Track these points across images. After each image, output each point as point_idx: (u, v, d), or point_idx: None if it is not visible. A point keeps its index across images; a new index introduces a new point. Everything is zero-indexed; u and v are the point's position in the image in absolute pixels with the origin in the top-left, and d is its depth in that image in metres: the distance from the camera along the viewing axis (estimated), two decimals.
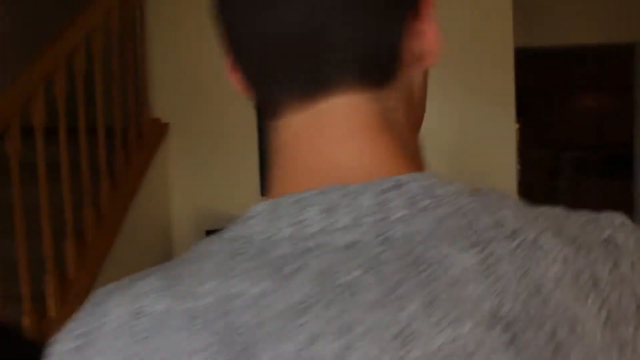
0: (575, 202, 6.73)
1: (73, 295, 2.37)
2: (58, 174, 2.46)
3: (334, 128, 0.42)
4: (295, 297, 0.35)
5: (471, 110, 3.38)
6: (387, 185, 0.39)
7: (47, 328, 2.24)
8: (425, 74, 0.48)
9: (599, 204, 4.53)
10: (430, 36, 0.45)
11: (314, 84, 0.41)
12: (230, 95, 2.78)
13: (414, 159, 0.44)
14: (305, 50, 0.41)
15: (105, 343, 0.37)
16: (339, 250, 0.37)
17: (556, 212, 0.41)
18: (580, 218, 0.41)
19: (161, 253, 3.26)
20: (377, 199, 0.38)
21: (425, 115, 0.50)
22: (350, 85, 0.42)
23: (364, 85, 0.42)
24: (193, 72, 3.38)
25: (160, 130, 3.35)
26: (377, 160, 0.41)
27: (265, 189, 0.51)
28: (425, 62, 0.45)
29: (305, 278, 0.36)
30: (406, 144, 0.44)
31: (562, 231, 0.39)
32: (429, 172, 0.41)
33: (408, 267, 0.36)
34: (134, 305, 0.37)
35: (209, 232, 2.31)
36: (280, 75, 0.42)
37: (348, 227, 0.38)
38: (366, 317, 0.34)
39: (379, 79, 0.42)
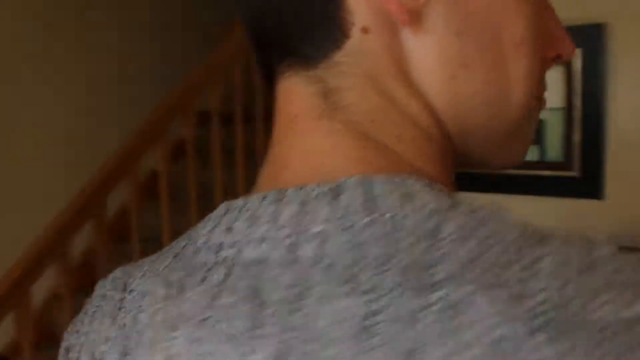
0: None
1: None
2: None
3: (279, 116, 0.38)
4: (181, 309, 0.33)
5: None
6: (318, 192, 0.33)
7: None
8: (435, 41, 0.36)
9: None
10: None
11: (262, 65, 0.39)
12: None
13: (379, 151, 0.35)
14: (254, 22, 0.38)
15: None
16: (244, 266, 0.33)
17: (573, 255, 0.29)
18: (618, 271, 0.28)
19: None
20: (301, 207, 0.33)
21: None
22: (287, 63, 0.37)
23: (295, 64, 0.37)
24: None
25: None
26: (315, 157, 0.35)
27: None
28: (396, 26, 0.35)
29: (197, 293, 0.34)
30: (367, 132, 0.35)
31: (525, 292, 0.27)
32: (394, 173, 0.33)
33: (287, 302, 0.30)
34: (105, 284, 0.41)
35: None
36: (252, 44, 0.40)
37: (261, 239, 0.33)
38: (217, 349, 0.31)
39: (305, 55, 0.36)
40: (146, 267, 0.39)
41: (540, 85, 0.39)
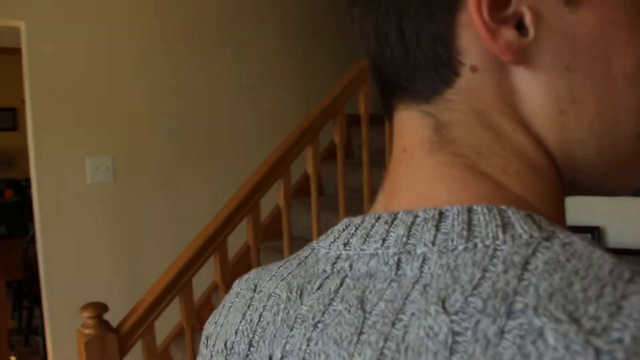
0: None
1: None
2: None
3: (395, 145, 0.42)
4: (299, 311, 0.38)
5: None
6: (424, 217, 0.36)
7: None
8: (534, 78, 0.37)
9: None
10: (478, 29, 0.36)
11: (383, 99, 0.43)
12: None
13: (483, 182, 0.37)
14: (370, 64, 0.42)
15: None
16: (355, 279, 0.37)
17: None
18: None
19: None
20: (408, 230, 0.36)
21: None
22: (401, 99, 0.40)
23: (408, 100, 0.40)
24: None
25: None
26: (424, 186, 0.38)
27: None
28: (505, 64, 0.37)
29: (314, 298, 0.38)
30: (473, 164, 0.37)
31: (597, 329, 0.27)
32: (496, 204, 0.35)
33: (386, 315, 0.33)
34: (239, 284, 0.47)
35: None
36: (374, 82, 0.43)
37: (372, 255, 0.37)
38: (324, 350, 0.34)
39: (418, 91, 0.39)
40: (274, 271, 0.44)
41: None
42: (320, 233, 2.44)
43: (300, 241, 2.96)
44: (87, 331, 1.86)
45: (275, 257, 3.02)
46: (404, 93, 0.40)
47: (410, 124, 0.40)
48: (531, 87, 0.37)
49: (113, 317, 2.02)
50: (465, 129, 0.38)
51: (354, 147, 3.74)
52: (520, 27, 0.36)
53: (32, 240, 3.82)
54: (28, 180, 6.32)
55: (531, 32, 0.36)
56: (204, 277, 2.96)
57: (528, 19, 0.36)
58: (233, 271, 3.22)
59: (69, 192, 2.84)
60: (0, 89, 7.13)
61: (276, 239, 3.32)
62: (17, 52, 3.09)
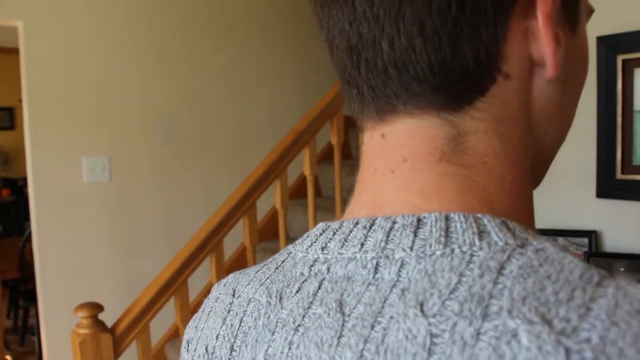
0: None
1: None
2: None
3: (387, 154, 0.40)
4: (280, 316, 0.39)
5: None
6: (402, 223, 0.36)
7: None
8: (551, 90, 0.40)
9: None
10: (546, 41, 0.37)
11: (380, 103, 0.40)
12: None
13: (473, 192, 0.38)
14: (369, 62, 0.39)
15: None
16: (333, 282, 0.38)
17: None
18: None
19: None
20: (386, 235, 0.37)
21: None
22: (414, 106, 0.38)
23: (433, 106, 0.38)
24: None
25: None
26: (414, 198, 0.38)
27: None
28: (536, 75, 0.39)
29: (293, 302, 0.39)
30: (473, 174, 0.38)
31: (567, 330, 0.29)
32: (476, 212, 0.37)
33: (366, 318, 0.34)
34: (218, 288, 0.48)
35: None
36: (353, 89, 0.41)
37: (349, 259, 0.38)
38: (306, 354, 0.35)
39: (445, 98, 0.38)
40: (252, 275, 0.44)
41: None
42: None
43: None
44: (81, 331, 1.86)
45: None
46: (422, 98, 0.38)
47: (420, 133, 0.39)
48: (539, 97, 0.40)
49: (108, 317, 2.02)
50: (480, 138, 0.38)
51: (352, 149, 3.74)
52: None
53: (29, 239, 3.81)
54: (25, 179, 6.31)
55: (562, 50, 0.39)
56: (200, 278, 2.96)
57: (561, 38, 0.39)
58: (229, 272, 3.21)
59: (66, 192, 2.84)
60: None
61: (273, 240, 3.32)
62: (14, 51, 3.09)
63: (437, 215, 0.36)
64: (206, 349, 0.43)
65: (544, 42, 0.37)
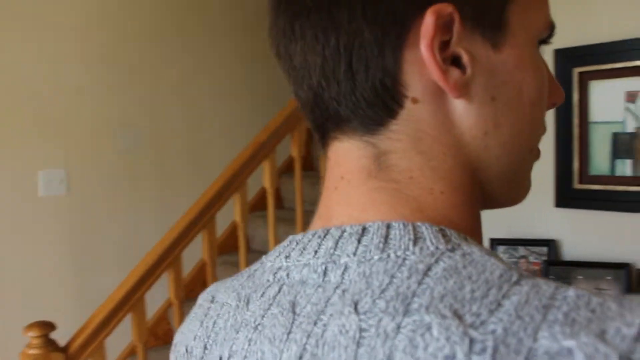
0: None
1: None
2: None
3: (331, 172, 0.45)
4: (244, 317, 0.43)
5: None
6: (349, 232, 0.41)
7: None
8: (473, 109, 0.42)
9: None
10: (430, 68, 0.40)
11: (320, 130, 0.46)
12: None
13: (407, 203, 0.42)
14: (301, 99, 0.45)
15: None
16: (290, 286, 0.42)
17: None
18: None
19: None
20: (335, 243, 0.41)
21: None
22: (343, 130, 0.44)
23: (349, 131, 0.43)
24: None
25: None
26: (356, 212, 0.42)
27: None
28: (441, 96, 0.42)
29: (257, 305, 0.43)
30: (403, 188, 0.42)
31: (475, 324, 0.33)
32: (414, 221, 0.40)
33: (311, 316, 0.39)
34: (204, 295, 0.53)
35: (493, 240, 2.20)
36: (308, 115, 0.46)
37: (304, 265, 0.42)
38: (261, 349, 0.40)
39: (361, 123, 0.42)
40: (228, 283, 0.49)
41: (542, 129, 0.47)
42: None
43: (258, 255, 2.92)
44: (31, 351, 1.79)
45: (233, 272, 2.97)
46: (346, 125, 0.43)
47: (350, 154, 0.44)
48: (463, 115, 0.42)
49: (62, 336, 1.95)
50: (401, 156, 0.42)
51: (314, 160, 3.73)
52: (458, 65, 0.41)
53: None
54: None
55: (468, 70, 0.41)
56: (161, 293, 2.90)
57: (465, 59, 0.41)
58: (189, 287, 3.16)
59: (20, 205, 2.76)
60: None
61: (234, 253, 3.27)
62: None
63: (379, 224, 0.40)
64: (186, 349, 0.49)
65: (429, 70, 0.40)
